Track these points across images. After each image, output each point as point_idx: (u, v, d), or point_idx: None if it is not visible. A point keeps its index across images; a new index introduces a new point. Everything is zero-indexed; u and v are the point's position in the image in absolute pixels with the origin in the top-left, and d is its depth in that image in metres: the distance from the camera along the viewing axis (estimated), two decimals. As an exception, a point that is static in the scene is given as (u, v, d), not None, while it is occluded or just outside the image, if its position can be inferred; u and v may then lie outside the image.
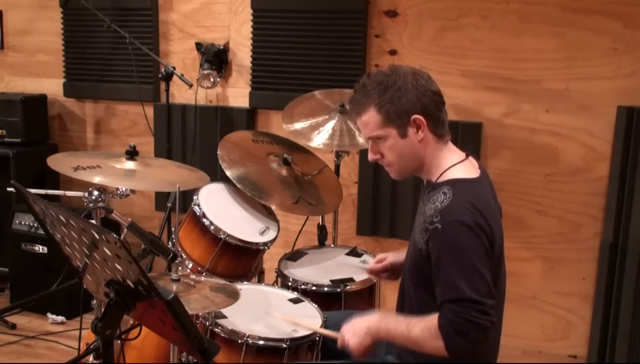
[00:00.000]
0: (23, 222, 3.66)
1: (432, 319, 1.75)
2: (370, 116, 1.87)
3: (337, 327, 1.99)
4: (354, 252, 2.84)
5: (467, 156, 1.95)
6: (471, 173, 1.89)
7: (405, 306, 1.96)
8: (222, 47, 3.69)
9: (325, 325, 2.14)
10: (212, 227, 2.51)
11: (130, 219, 2.07)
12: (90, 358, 2.43)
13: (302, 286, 2.49)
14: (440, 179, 1.87)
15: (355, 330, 1.90)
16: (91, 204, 2.35)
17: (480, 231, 1.73)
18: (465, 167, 1.90)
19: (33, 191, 1.80)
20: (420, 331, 1.77)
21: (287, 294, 2.41)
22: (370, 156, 1.95)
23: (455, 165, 1.88)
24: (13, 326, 3.49)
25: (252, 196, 2.61)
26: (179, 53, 3.84)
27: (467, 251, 1.72)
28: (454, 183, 1.83)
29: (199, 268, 2.54)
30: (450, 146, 1.93)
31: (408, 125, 1.85)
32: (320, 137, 2.91)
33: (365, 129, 1.90)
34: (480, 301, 1.70)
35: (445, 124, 1.91)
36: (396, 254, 2.30)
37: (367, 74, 1.92)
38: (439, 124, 1.88)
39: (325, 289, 2.50)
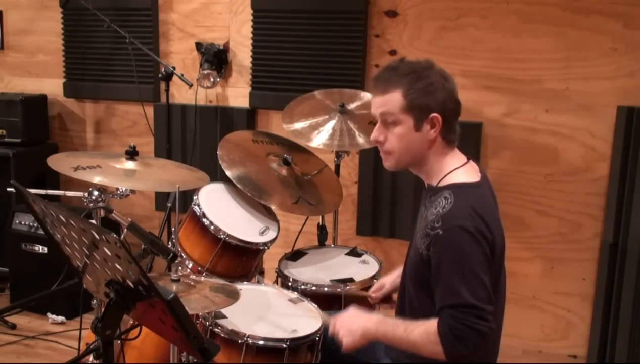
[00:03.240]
0: (23, 222, 3.66)
1: (432, 324, 1.74)
2: (394, 97, 1.84)
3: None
4: (354, 252, 2.84)
5: (467, 159, 1.95)
6: (472, 177, 1.89)
7: (406, 309, 1.96)
8: (222, 47, 3.69)
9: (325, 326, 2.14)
10: (212, 227, 2.51)
11: (130, 219, 2.07)
12: (90, 358, 2.43)
13: (302, 286, 2.49)
14: (442, 183, 1.87)
15: (351, 329, 1.90)
16: (91, 204, 2.35)
17: (482, 237, 1.73)
18: (467, 171, 1.89)
19: (33, 191, 1.80)
20: (419, 335, 1.77)
21: (287, 294, 2.41)
22: (374, 136, 1.91)
23: (456, 169, 1.88)
24: (13, 326, 3.49)
25: (252, 196, 2.61)
26: (179, 53, 3.84)
27: (468, 257, 1.72)
28: (456, 187, 1.82)
29: (199, 268, 2.54)
30: (455, 151, 1.93)
31: (425, 120, 1.84)
32: (320, 137, 2.91)
33: (382, 107, 1.87)
34: (480, 307, 1.70)
35: (456, 134, 1.91)
36: (392, 277, 2.31)
37: (401, 58, 1.91)
38: (451, 131, 1.89)
39: (325, 289, 2.50)
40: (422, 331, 1.76)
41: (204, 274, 2.50)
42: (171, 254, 2.07)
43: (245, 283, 2.55)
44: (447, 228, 1.74)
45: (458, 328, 1.69)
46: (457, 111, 1.90)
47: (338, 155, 3.04)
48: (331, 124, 2.95)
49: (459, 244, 1.72)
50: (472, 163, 1.94)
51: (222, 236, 2.50)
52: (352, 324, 1.91)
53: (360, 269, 2.68)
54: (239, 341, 2.06)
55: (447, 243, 1.74)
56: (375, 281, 2.54)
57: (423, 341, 1.76)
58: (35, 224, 3.58)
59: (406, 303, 1.96)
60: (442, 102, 1.84)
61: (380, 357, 2.05)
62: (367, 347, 1.95)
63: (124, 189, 2.41)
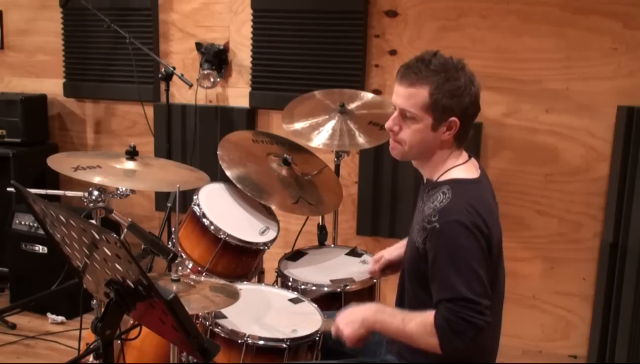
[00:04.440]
0: (23, 222, 3.66)
1: (428, 316, 1.75)
2: (419, 93, 1.81)
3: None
4: (354, 252, 2.84)
5: (469, 157, 1.95)
6: (472, 173, 1.89)
7: (405, 304, 1.96)
8: (222, 47, 3.69)
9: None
10: (212, 227, 2.51)
11: (130, 219, 2.07)
12: (90, 358, 2.43)
13: (302, 286, 2.49)
14: (441, 179, 1.87)
15: (350, 319, 1.90)
16: (91, 204, 2.34)
17: (478, 232, 1.73)
18: (467, 168, 1.90)
19: (33, 191, 1.80)
20: (416, 326, 1.77)
21: (287, 294, 2.41)
22: (389, 125, 1.89)
23: (457, 166, 1.89)
24: (13, 326, 3.49)
25: (252, 196, 2.61)
26: (179, 53, 3.84)
27: (463, 252, 1.72)
28: (454, 183, 1.83)
29: (199, 268, 2.54)
30: (461, 150, 1.93)
31: (444, 122, 1.83)
32: (320, 137, 2.91)
33: (405, 100, 1.84)
34: (476, 301, 1.70)
35: (468, 137, 1.90)
36: (390, 251, 2.32)
37: (434, 52, 1.87)
38: (465, 135, 1.89)
39: (325, 289, 2.50)
40: (419, 322, 1.77)
41: (204, 274, 2.50)
42: (171, 254, 2.07)
43: (245, 282, 2.55)
44: (444, 222, 1.74)
45: (454, 321, 1.70)
46: (476, 115, 1.89)
47: (338, 155, 3.04)
48: (331, 124, 2.95)
49: (456, 238, 1.73)
50: (473, 161, 1.95)
51: (222, 236, 2.50)
52: (351, 316, 1.91)
53: (360, 269, 2.68)
54: (239, 341, 2.06)
55: (444, 237, 1.74)
56: (375, 281, 2.55)
57: (419, 332, 1.76)
58: (35, 224, 3.58)
59: (405, 297, 1.97)
60: (465, 107, 1.82)
61: (382, 354, 2.05)
62: (369, 345, 1.96)
63: (124, 189, 2.41)
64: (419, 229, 1.83)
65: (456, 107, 1.81)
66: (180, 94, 3.84)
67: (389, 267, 2.34)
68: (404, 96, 1.84)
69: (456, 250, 1.73)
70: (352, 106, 3.03)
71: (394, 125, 1.88)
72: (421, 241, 1.80)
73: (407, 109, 1.84)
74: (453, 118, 1.82)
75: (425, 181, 1.98)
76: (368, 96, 3.15)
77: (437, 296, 1.75)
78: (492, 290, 1.79)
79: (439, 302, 1.74)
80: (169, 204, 3.09)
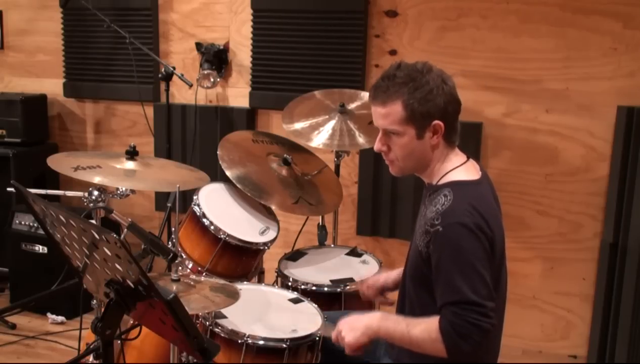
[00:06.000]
0: (23, 222, 3.66)
1: (433, 321, 1.74)
2: (394, 109, 1.83)
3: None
4: (354, 252, 2.84)
5: (468, 158, 1.95)
6: (472, 175, 1.89)
7: (406, 307, 1.96)
8: (222, 47, 3.69)
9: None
10: (212, 227, 2.51)
11: (130, 219, 2.07)
12: (90, 358, 2.43)
13: (302, 286, 2.50)
14: (441, 182, 1.87)
15: (352, 326, 1.90)
16: (91, 204, 2.35)
17: (481, 234, 1.73)
18: (467, 170, 1.90)
19: (33, 191, 1.80)
20: (421, 333, 1.77)
21: (287, 294, 2.41)
22: (377, 146, 1.91)
23: (456, 168, 1.89)
24: (13, 326, 3.49)
25: (252, 196, 2.61)
26: (179, 53, 3.84)
27: (467, 254, 1.72)
28: (455, 185, 1.83)
29: (199, 268, 2.54)
30: (456, 150, 1.93)
31: (427, 128, 1.84)
32: (320, 137, 2.91)
33: (383, 120, 1.86)
34: (481, 304, 1.69)
35: (458, 132, 1.91)
36: (387, 274, 2.31)
37: (398, 64, 1.87)
38: (453, 132, 1.89)
39: (325, 289, 2.50)
40: (424, 328, 1.77)
41: (204, 274, 2.50)
42: (171, 254, 2.07)
43: (245, 282, 2.55)
44: (447, 225, 1.74)
45: (459, 325, 1.69)
46: (458, 111, 1.89)
47: (338, 155, 3.05)
48: (331, 124, 2.95)
49: (459, 240, 1.72)
50: (472, 161, 1.95)
51: (222, 236, 2.50)
52: (354, 323, 1.91)
53: (360, 269, 2.68)
54: (239, 341, 2.06)
55: (447, 240, 1.74)
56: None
57: (424, 338, 1.76)
58: (35, 224, 3.58)
59: (406, 302, 1.97)
60: (443, 107, 1.83)
61: (380, 356, 2.05)
62: (367, 346, 1.95)
63: (124, 189, 2.41)
64: (421, 233, 1.83)
65: (433, 111, 1.82)
66: (180, 94, 3.84)
67: (381, 291, 2.30)
68: (381, 116, 1.87)
69: (460, 252, 1.72)
70: (352, 106, 3.03)
71: (382, 145, 1.91)
72: (424, 245, 1.80)
73: (387, 127, 1.86)
74: (435, 121, 1.83)
75: (426, 184, 1.98)
76: (368, 95, 3.15)
77: (442, 299, 1.74)
78: (495, 292, 1.78)
79: (444, 305, 1.73)
80: (169, 204, 3.09)
